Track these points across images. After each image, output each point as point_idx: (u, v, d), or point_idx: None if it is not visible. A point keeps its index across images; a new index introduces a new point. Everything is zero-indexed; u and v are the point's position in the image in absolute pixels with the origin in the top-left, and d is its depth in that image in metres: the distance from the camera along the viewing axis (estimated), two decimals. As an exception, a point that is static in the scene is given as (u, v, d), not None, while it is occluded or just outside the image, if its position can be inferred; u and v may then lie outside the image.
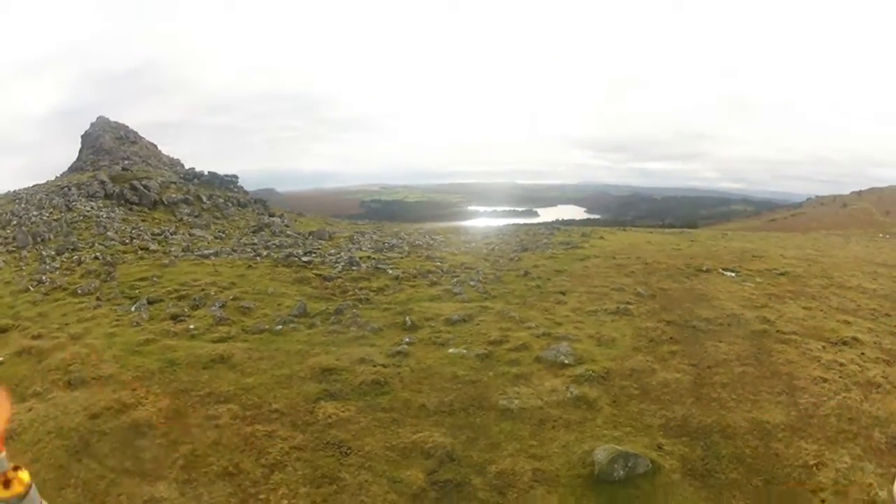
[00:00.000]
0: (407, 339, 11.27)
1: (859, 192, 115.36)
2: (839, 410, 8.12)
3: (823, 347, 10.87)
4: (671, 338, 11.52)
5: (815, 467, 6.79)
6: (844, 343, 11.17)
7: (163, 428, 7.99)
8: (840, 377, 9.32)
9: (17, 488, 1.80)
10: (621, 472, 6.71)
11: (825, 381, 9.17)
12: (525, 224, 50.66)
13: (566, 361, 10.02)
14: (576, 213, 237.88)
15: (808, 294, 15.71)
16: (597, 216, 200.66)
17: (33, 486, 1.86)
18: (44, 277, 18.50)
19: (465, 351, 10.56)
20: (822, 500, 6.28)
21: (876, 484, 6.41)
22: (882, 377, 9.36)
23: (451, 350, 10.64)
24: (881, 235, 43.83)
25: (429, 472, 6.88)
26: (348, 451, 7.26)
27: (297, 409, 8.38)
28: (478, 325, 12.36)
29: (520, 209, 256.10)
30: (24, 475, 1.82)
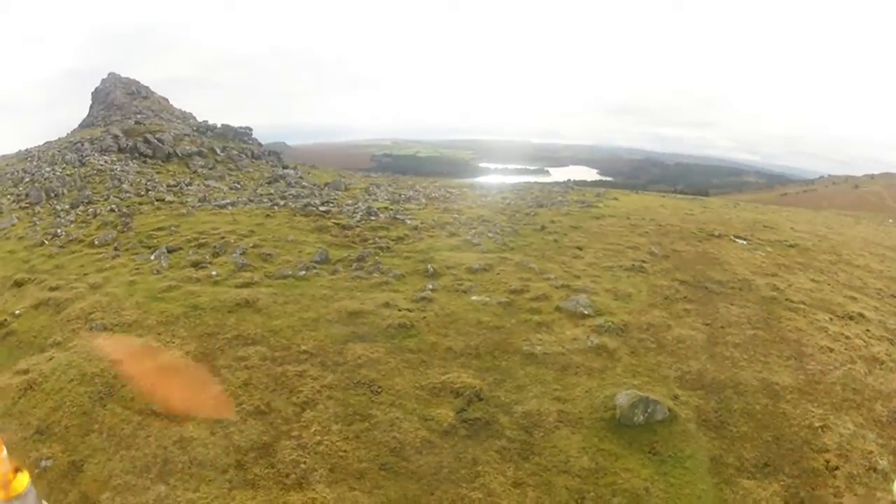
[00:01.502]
0: (430, 286, 11.43)
1: (872, 176, 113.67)
2: (844, 380, 8.37)
3: (830, 319, 11.00)
4: (685, 297, 11.71)
5: (820, 430, 7.07)
6: (850, 318, 11.30)
7: (191, 370, 8.21)
8: (846, 349, 9.51)
9: (17, 489, 1.88)
10: (641, 417, 7.01)
11: (831, 350, 9.39)
12: (538, 182, 50.42)
13: (585, 312, 10.21)
14: (588, 174, 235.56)
15: (816, 267, 15.72)
16: (609, 178, 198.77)
17: (33, 486, 1.94)
18: (59, 231, 18.46)
19: (487, 298, 10.73)
20: (827, 461, 6.57)
21: (876, 452, 6.71)
22: (885, 354, 9.52)
23: (473, 297, 10.83)
24: (891, 221, 43.44)
25: (458, 411, 7.14)
26: (379, 390, 7.50)
27: (326, 351, 8.60)
28: (498, 274, 12.51)
29: (532, 168, 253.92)
30: (24, 476, 1.92)
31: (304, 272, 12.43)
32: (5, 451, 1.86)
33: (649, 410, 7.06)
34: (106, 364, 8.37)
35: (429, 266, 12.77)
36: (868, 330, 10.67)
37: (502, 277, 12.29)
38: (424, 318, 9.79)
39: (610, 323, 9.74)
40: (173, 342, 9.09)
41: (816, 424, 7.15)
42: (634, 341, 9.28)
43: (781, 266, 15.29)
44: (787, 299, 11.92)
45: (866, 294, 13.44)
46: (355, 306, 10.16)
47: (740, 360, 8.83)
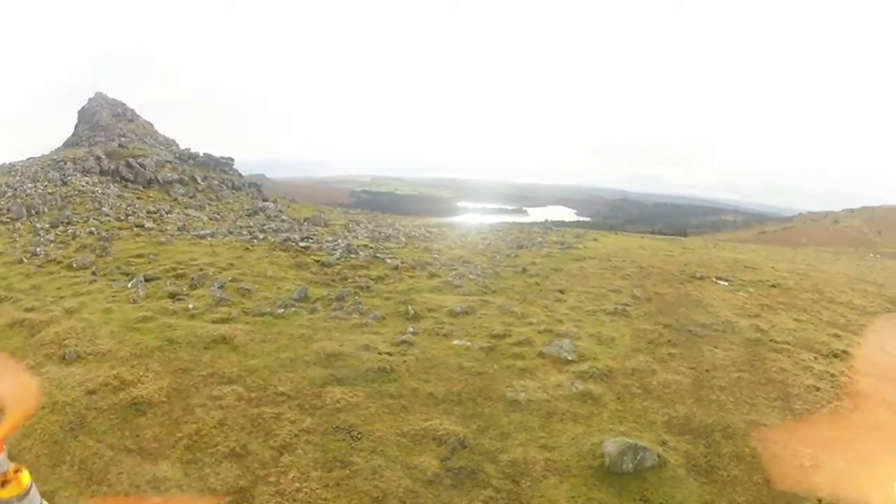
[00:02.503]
0: (411, 329, 11.25)
1: (851, 210, 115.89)
2: (831, 417, 8.47)
3: (815, 358, 11.08)
4: (669, 340, 11.69)
5: (810, 468, 6.92)
6: (835, 356, 11.38)
7: (164, 407, 7.91)
8: (832, 387, 9.57)
9: (17, 489, 1.83)
10: (630, 465, 6.86)
11: (817, 389, 9.44)
12: (517, 223, 50.83)
13: (569, 358, 10.09)
14: (566, 214, 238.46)
15: (799, 307, 15.89)
16: (587, 218, 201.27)
17: (33, 485, 1.89)
18: (38, 250, 18.28)
19: (469, 343, 10.57)
20: (819, 500, 6.51)
21: (868, 488, 6.55)
22: (872, 390, 9.38)
23: (455, 342, 10.66)
24: (871, 255, 44.18)
25: (442, 459, 6.91)
26: (359, 436, 7.24)
27: (304, 393, 8.34)
28: (480, 318, 12.38)
29: (510, 207, 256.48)
30: (25, 476, 1.86)
31: (282, 310, 12.20)
32: (5, 452, 1.83)
33: (638, 457, 6.92)
34: (78, 394, 8.13)
35: (409, 308, 12.60)
36: (853, 367, 10.73)
37: (484, 321, 12.17)
38: (405, 362, 9.58)
39: (594, 369, 9.63)
40: (147, 376, 8.78)
41: (807, 464, 6.99)
42: (620, 387, 9.17)
43: (764, 306, 15.42)
44: (771, 340, 12.01)
45: (850, 331, 13.58)
46: (334, 348, 9.94)
47: (727, 403, 8.79)
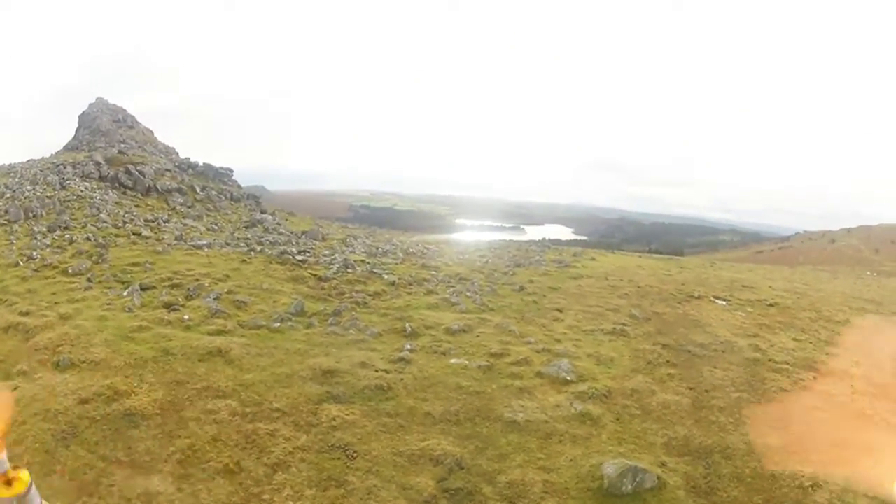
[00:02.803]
0: (408, 346, 11.14)
1: (849, 230, 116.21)
2: (831, 437, 8.34)
3: (814, 378, 11.11)
4: (668, 361, 11.66)
5: (810, 488, 6.96)
6: (834, 375, 11.42)
7: (157, 419, 7.78)
8: (831, 407, 9.57)
9: (17, 488, 1.87)
10: (629, 487, 6.78)
11: (817, 409, 9.43)
12: (514, 241, 50.86)
13: (568, 378, 9.99)
14: (563, 232, 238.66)
15: (797, 326, 15.96)
16: (583, 237, 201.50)
17: (33, 485, 1.92)
18: (34, 254, 18.25)
19: (466, 362, 10.46)
20: None
21: (890, 491, 6.65)
22: (871, 409, 9.62)
23: (452, 360, 10.55)
24: (868, 273, 44.27)
25: (439, 480, 6.79)
26: (354, 455, 7.11)
27: (300, 410, 8.21)
28: (478, 336, 12.29)
29: (507, 225, 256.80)
30: (25, 475, 1.90)
31: (278, 324, 12.09)
32: (5, 453, 1.86)
33: (638, 479, 6.83)
34: (70, 402, 7.98)
35: (407, 325, 12.49)
36: (852, 385, 10.75)
37: (482, 340, 12.07)
38: (402, 380, 9.46)
39: (593, 389, 9.54)
40: (141, 387, 8.64)
41: (807, 484, 7.03)
42: (619, 408, 9.09)
43: (763, 326, 15.48)
44: (769, 360, 12.01)
45: (848, 350, 13.57)
46: (331, 364, 9.79)
47: (726, 423, 8.74)
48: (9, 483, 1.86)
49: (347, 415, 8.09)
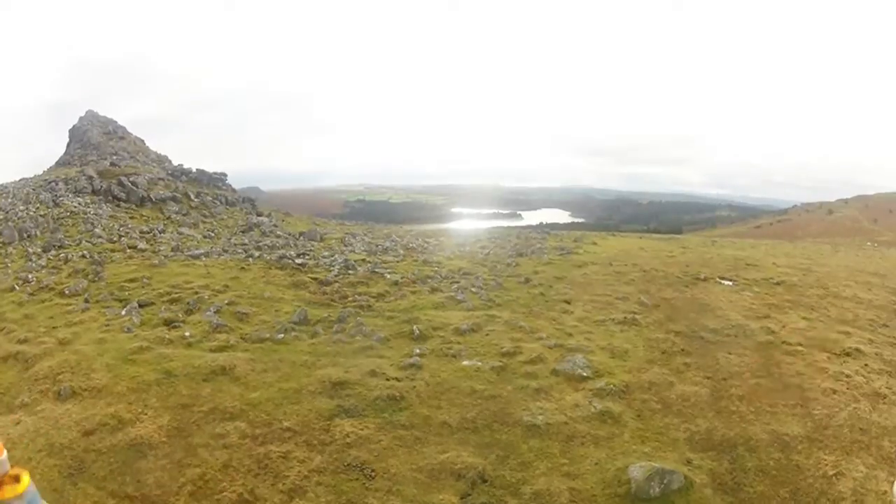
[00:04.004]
0: (417, 350, 10.84)
1: (846, 200, 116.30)
2: (851, 421, 8.26)
3: (828, 358, 10.98)
4: (682, 349, 11.47)
5: (833, 477, 6.90)
6: (848, 354, 11.31)
7: (165, 448, 7.49)
8: (848, 388, 9.45)
9: (17, 489, 1.85)
10: (657, 490, 6.57)
11: (834, 392, 9.30)
12: (513, 227, 50.64)
13: (584, 374, 9.74)
14: (560, 216, 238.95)
15: (806, 304, 15.85)
16: (581, 220, 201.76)
17: (33, 486, 1.90)
18: (30, 276, 17.92)
19: (479, 363, 10.18)
20: None
21: (890, 491, 6.55)
22: (887, 388, 9.55)
23: (464, 362, 10.26)
24: (869, 244, 44.28)
25: (462, 496, 6.51)
26: (373, 474, 6.82)
27: (312, 427, 7.90)
28: (487, 335, 12.01)
29: (504, 212, 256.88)
30: (25, 476, 1.87)
31: (282, 335, 11.78)
32: (5, 453, 1.87)
33: (665, 481, 6.61)
34: (75, 434, 7.71)
35: (414, 327, 12.17)
36: (866, 364, 10.70)
37: (492, 338, 11.78)
38: (414, 387, 9.16)
39: (611, 385, 9.29)
40: (145, 413, 8.35)
41: (830, 472, 6.98)
42: (638, 403, 8.87)
43: (772, 306, 15.35)
44: (783, 342, 11.89)
45: (859, 327, 13.56)
46: (339, 375, 9.49)
47: (747, 413, 8.59)
48: (16, 479, 1.85)
49: (361, 429, 7.80)
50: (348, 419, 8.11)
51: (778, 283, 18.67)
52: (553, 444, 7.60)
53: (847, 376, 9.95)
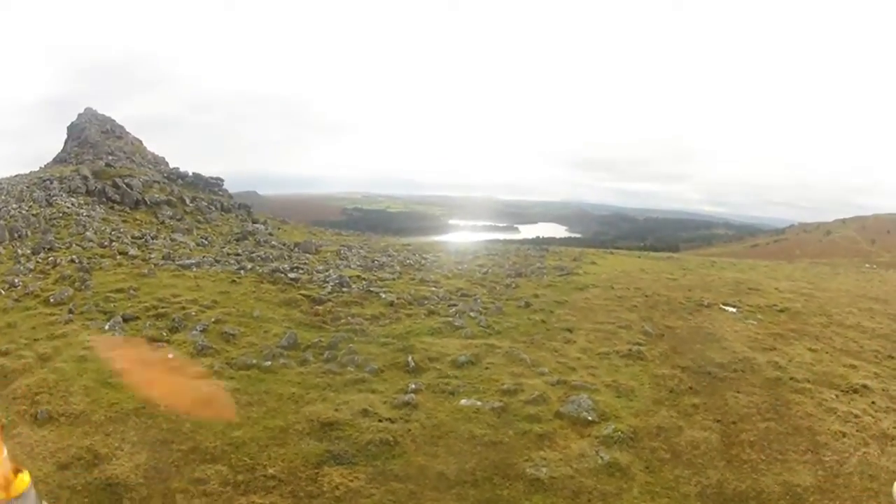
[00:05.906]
0: (412, 386, 10.23)
1: (843, 220, 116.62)
2: (861, 467, 7.99)
3: (836, 396, 10.67)
4: (690, 387, 11.00)
5: None
6: (855, 391, 11.02)
7: (142, 490, 6.91)
8: (857, 430, 9.16)
9: (17, 489, 1.82)
10: (667, 548, 6.05)
11: (844, 435, 8.98)
12: (510, 241, 50.32)
13: (589, 418, 9.18)
14: (557, 230, 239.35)
15: (810, 334, 15.51)
16: (578, 235, 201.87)
17: (33, 486, 1.88)
18: (16, 280, 17.45)
19: (478, 403, 9.60)
20: None
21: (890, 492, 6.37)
22: (894, 428, 9.29)
23: (462, 401, 9.66)
24: (867, 266, 44.20)
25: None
26: (363, 539, 6.26)
27: (298, 476, 7.30)
28: (487, 368, 11.44)
29: (501, 225, 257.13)
30: (25, 476, 1.87)
31: (269, 361, 11.19)
32: (6, 452, 1.81)
33: (677, 546, 6.11)
34: (50, 468, 7.24)
35: (409, 358, 11.57)
36: (873, 402, 10.41)
37: (492, 372, 11.21)
38: (409, 430, 8.58)
39: (619, 432, 8.74)
40: (122, 448, 7.81)
41: None
42: (647, 452, 8.36)
43: (777, 336, 15.01)
44: (791, 378, 11.50)
45: (864, 359, 13.28)
46: (329, 414, 8.89)
47: (758, 462, 8.18)
48: (9, 483, 1.80)
49: (351, 480, 7.20)
50: (337, 467, 7.52)
51: (781, 311, 18.39)
52: (558, 500, 7.07)
53: (856, 416, 9.69)
